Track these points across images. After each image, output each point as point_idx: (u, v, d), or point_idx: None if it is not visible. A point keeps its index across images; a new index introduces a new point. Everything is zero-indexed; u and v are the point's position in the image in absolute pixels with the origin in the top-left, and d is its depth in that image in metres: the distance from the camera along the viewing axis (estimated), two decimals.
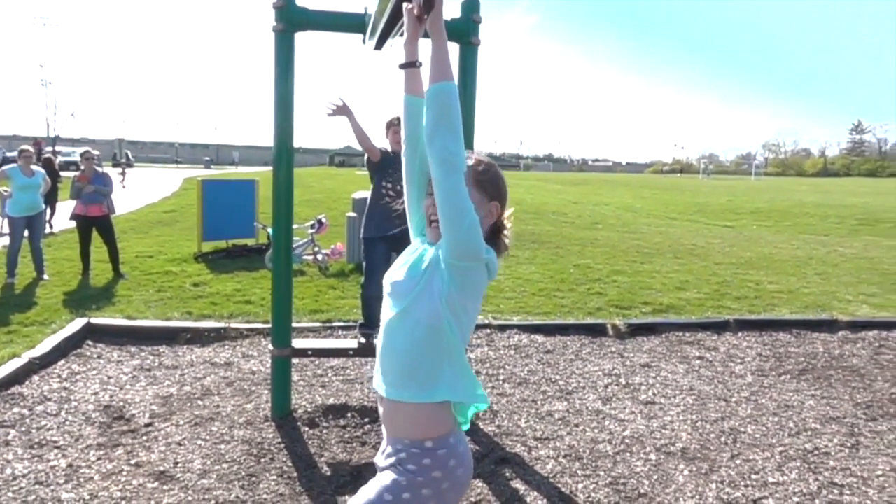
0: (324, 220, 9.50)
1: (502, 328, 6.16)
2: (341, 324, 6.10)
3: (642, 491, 3.27)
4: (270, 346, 4.10)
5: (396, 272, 1.69)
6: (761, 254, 12.05)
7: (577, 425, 4.08)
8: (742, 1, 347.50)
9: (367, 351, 4.33)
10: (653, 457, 3.66)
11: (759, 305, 7.45)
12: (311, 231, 9.28)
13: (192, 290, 7.53)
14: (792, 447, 3.85)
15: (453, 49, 4.05)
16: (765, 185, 49.59)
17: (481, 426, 4.02)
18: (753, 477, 3.47)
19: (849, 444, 3.92)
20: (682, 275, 9.34)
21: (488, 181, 1.70)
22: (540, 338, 5.94)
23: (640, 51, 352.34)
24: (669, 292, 8.04)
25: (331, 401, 4.34)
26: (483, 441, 3.83)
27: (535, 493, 3.24)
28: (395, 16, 2.55)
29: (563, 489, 3.29)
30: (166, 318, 6.25)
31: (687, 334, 6.19)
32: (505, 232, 1.73)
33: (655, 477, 3.43)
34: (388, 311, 1.68)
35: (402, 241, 4.53)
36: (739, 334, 6.27)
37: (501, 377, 4.92)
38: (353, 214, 8.92)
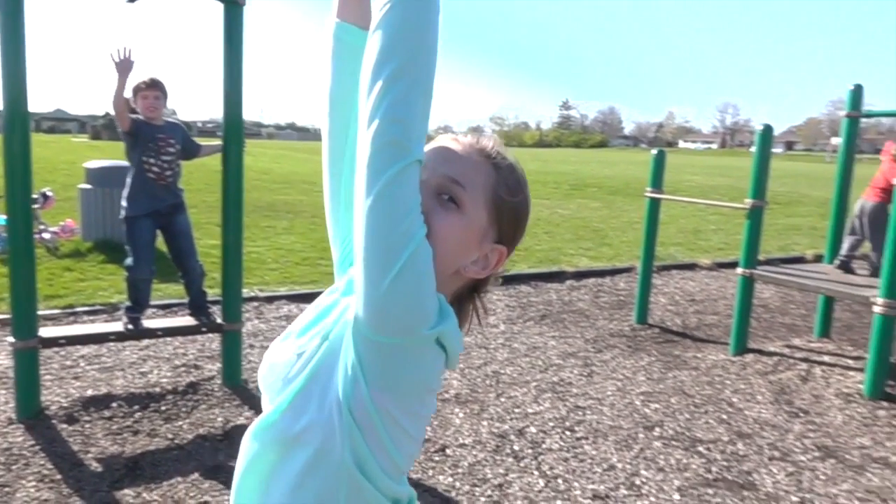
0: (49, 193, 8.30)
1: (270, 300, 6.07)
2: (86, 309, 5.49)
3: (426, 436, 3.55)
4: (11, 339, 3.57)
5: (281, 344, 0.97)
6: None
7: None
8: None
9: (134, 337, 4.00)
10: None
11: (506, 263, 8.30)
12: (35, 206, 8.05)
13: None
14: (543, 381, 4.46)
15: (216, 10, 3.83)
16: None
17: None
18: (516, 410, 3.96)
19: (585, 374, 4.65)
20: None
21: (512, 207, 0.95)
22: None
23: None
24: None
25: (89, 392, 3.93)
26: None
27: None
28: None
29: None
30: None
31: None
32: (483, 292, 1.02)
33: (436, 422, 3.73)
34: (263, 410, 0.95)
35: (171, 218, 4.24)
36: (495, 290, 6.95)
37: None
38: (88, 187, 7.95)
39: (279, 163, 26.84)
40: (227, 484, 3.03)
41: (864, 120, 5.91)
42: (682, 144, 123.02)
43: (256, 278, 6.72)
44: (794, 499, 3.13)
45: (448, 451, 3.43)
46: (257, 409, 3.74)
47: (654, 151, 6.06)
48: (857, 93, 5.68)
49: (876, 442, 3.79)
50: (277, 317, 5.63)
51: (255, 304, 5.89)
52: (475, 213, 0.91)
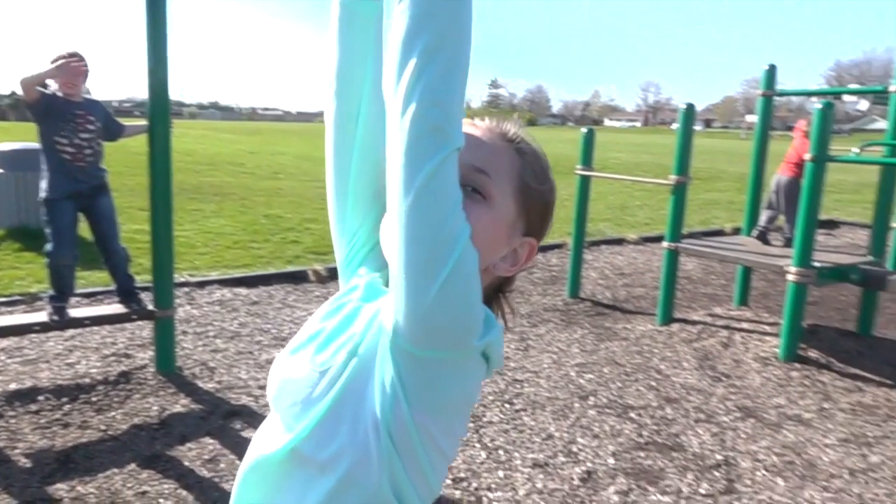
0: None
1: (201, 285, 5.91)
2: (3, 300, 5.21)
3: None
4: None
5: (292, 357, 0.86)
6: None
7: None
8: None
9: (60, 327, 3.83)
10: None
11: None
12: None
13: None
14: None
15: None
16: None
17: (200, 384, 3.90)
18: None
19: (522, 348, 4.77)
20: None
21: (541, 195, 0.87)
22: (243, 290, 5.87)
23: None
24: None
25: (13, 386, 3.75)
26: (205, 399, 3.73)
27: None
28: None
29: None
30: None
31: None
32: (508, 291, 0.93)
33: None
34: (267, 440, 0.84)
35: (93, 201, 4.06)
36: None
37: (211, 333, 4.78)
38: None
39: (203, 143, 25.98)
40: (165, 473, 2.98)
41: (776, 98, 6.22)
42: (607, 122, 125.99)
43: (186, 263, 6.53)
44: (719, 457, 3.33)
45: None
46: (194, 397, 3.67)
47: (584, 130, 6.21)
48: (772, 73, 5.97)
49: (790, 401, 4.07)
50: (210, 302, 5.50)
51: (187, 289, 5.73)
52: (503, 205, 0.82)
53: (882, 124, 7.50)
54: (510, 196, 0.83)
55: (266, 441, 0.84)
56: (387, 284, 0.85)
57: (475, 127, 0.86)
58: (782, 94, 6.48)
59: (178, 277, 5.80)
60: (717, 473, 3.18)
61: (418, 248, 0.69)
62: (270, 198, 11.82)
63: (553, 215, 0.91)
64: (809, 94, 8.46)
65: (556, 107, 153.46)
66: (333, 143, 0.94)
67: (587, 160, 6.06)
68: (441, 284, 0.69)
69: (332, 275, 6.40)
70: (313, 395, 0.79)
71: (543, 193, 0.87)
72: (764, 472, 3.21)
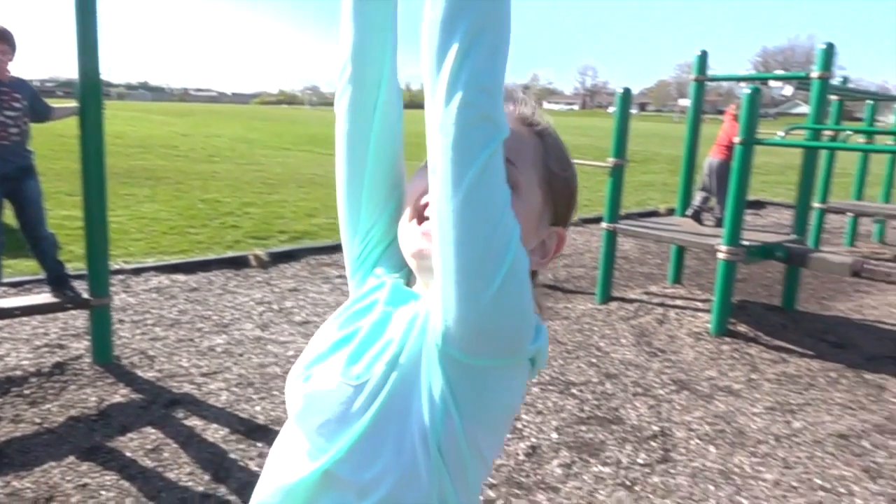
0: None
1: (137, 272, 5.74)
2: None
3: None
4: None
5: (315, 369, 0.78)
6: None
7: (241, 355, 4.15)
8: None
9: None
10: None
11: None
12: None
13: None
14: None
15: None
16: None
17: (139, 374, 3.81)
18: None
19: None
20: (310, 203, 9.80)
21: (565, 181, 0.84)
22: (182, 277, 5.73)
23: None
24: (302, 220, 8.42)
25: None
26: (145, 388, 3.65)
27: (215, 425, 3.27)
28: None
29: (241, 415, 3.39)
30: None
31: (325, 257, 6.64)
32: (535, 284, 0.84)
33: None
34: (290, 464, 0.77)
35: (19, 184, 3.87)
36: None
37: (150, 321, 4.66)
38: None
39: (134, 126, 25.01)
40: (106, 465, 2.91)
41: (708, 83, 6.44)
42: (546, 105, 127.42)
43: (120, 250, 6.31)
44: (655, 428, 3.48)
45: None
46: (134, 386, 3.58)
47: None
48: (703, 58, 6.17)
49: (721, 373, 4.28)
50: (147, 289, 5.35)
51: (122, 277, 5.56)
52: (531, 195, 0.78)
53: (805, 108, 7.88)
54: (536, 185, 0.79)
55: (289, 465, 0.76)
56: (409, 285, 0.84)
57: None
58: (713, 79, 6.71)
59: (113, 265, 5.61)
60: (653, 444, 3.32)
61: (472, 250, 0.64)
62: (206, 182, 11.51)
63: (576, 190, 0.86)
64: (738, 79, 8.81)
65: None
66: (347, 134, 0.86)
67: None
68: (497, 288, 0.65)
69: (275, 260, 6.32)
70: (350, 411, 0.72)
71: (568, 180, 0.84)
72: (697, 440, 3.38)
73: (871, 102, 8.47)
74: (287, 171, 13.84)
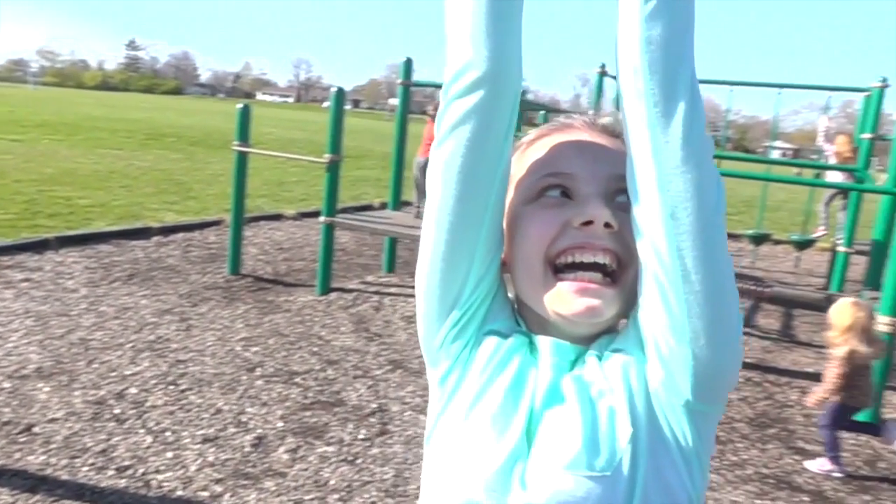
0: None
1: None
2: None
3: (5, 420, 3.17)
4: None
5: (528, 477, 0.64)
6: (63, 169, 11.73)
7: None
8: None
9: None
10: (7, 384, 3.52)
11: (76, 221, 7.46)
12: None
13: None
14: (139, 341, 4.32)
15: None
16: (45, 95, 46.58)
17: None
18: (112, 374, 3.79)
19: (183, 329, 4.66)
20: None
21: None
22: None
23: None
24: None
25: None
26: None
27: None
28: None
29: None
30: None
31: (6, 258, 5.77)
32: None
33: (16, 402, 3.34)
34: None
35: None
36: (62, 251, 6.23)
37: None
38: None
39: None
40: None
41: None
42: (259, 96, 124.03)
43: None
44: (374, 406, 3.78)
45: (36, 429, 3.13)
46: None
47: (240, 105, 6.19)
48: (409, 64, 6.71)
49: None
50: None
51: None
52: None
53: None
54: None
55: None
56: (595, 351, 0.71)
57: (588, 129, 0.74)
58: (417, 84, 7.32)
59: None
60: (373, 420, 3.62)
61: (723, 295, 0.61)
62: None
63: None
64: (438, 86, 9.69)
65: (204, 76, 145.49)
66: (464, 168, 0.68)
67: (244, 136, 6.07)
68: (740, 328, 0.64)
69: None
70: (609, 489, 0.61)
71: None
72: (410, 412, 3.76)
73: (544, 113, 9.99)
74: None
